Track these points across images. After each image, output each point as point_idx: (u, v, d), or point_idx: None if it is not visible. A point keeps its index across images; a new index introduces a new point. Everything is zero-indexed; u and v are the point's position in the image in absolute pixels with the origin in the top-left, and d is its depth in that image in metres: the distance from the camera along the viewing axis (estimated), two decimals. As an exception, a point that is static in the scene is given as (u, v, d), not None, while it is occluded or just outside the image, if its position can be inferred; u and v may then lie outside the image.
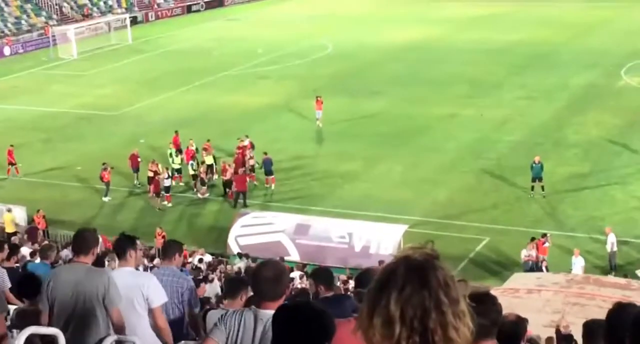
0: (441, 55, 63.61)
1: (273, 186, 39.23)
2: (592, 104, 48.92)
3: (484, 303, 4.88)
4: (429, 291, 3.07)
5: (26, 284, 10.47)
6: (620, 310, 4.81)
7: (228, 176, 38.47)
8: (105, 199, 39.09)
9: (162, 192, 38.50)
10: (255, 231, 33.07)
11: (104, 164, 39.22)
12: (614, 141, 42.66)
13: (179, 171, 40.44)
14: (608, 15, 77.59)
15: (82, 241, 8.60)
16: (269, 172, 39.38)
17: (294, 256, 31.78)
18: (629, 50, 61.12)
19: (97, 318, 8.29)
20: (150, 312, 9.19)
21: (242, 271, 27.54)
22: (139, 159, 40.38)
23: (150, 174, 39.14)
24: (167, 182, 38.70)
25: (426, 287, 3.07)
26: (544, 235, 31.30)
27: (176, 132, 43.35)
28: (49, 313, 8.42)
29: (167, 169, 39.38)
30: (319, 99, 46.65)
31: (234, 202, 37.89)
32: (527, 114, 48.05)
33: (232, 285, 10.51)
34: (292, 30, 77.02)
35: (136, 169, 40.39)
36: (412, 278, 3.09)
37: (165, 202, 38.49)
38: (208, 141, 41.95)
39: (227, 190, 38.69)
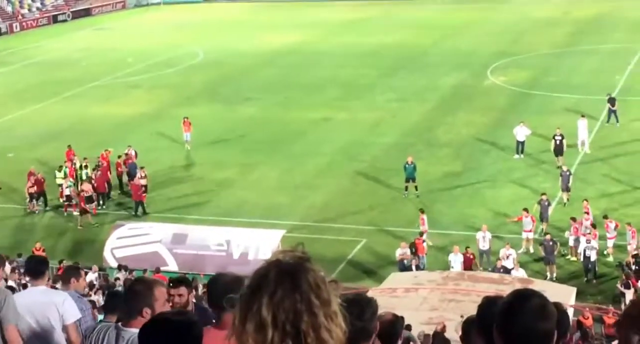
0: (313, 59, 64.05)
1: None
2: (461, 104, 50.05)
3: (361, 305, 4.91)
4: (300, 294, 3.07)
5: None
6: (489, 304, 4.91)
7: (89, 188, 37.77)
8: None
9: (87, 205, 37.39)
10: (132, 242, 32.58)
11: None
12: (482, 139, 43.74)
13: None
14: (473, 17, 79.58)
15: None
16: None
17: (172, 265, 31.44)
18: (494, 50, 62.77)
19: None
20: (65, 328, 9.20)
21: (122, 283, 27.14)
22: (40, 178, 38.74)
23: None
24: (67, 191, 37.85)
25: (297, 290, 3.07)
26: (421, 234, 31.84)
27: (69, 146, 41.96)
28: None
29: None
30: (186, 120, 44.81)
31: (135, 212, 37.33)
32: (398, 115, 48.82)
33: (111, 300, 10.31)
34: (162, 39, 76.30)
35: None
36: (283, 282, 3.08)
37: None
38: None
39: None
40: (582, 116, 41.63)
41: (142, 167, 38.62)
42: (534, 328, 3.77)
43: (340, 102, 51.79)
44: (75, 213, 37.65)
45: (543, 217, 33.02)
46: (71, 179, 38.73)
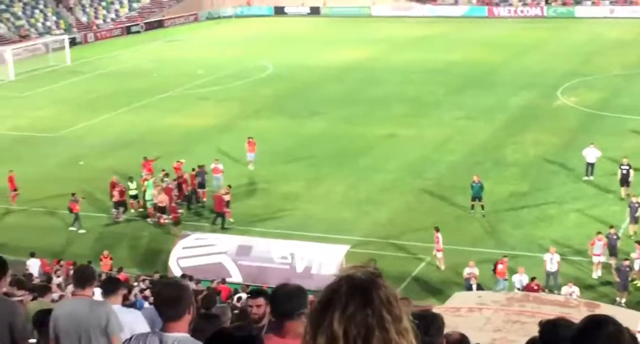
0: (380, 75, 64.05)
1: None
2: (529, 124, 49.58)
3: (427, 321, 4.91)
4: (372, 309, 3.08)
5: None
6: (552, 327, 4.85)
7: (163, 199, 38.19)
8: (73, 228, 37.68)
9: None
10: (197, 252, 32.86)
11: (73, 194, 38.03)
12: (551, 160, 43.26)
13: (135, 196, 39.76)
14: (543, 36, 78.94)
15: (82, 276, 9.21)
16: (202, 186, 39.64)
17: (236, 277, 31.63)
18: (564, 70, 62.15)
19: None
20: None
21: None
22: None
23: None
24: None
25: (369, 305, 3.09)
26: (504, 256, 31.40)
27: (144, 158, 42.25)
28: None
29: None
30: (250, 140, 44.30)
31: (213, 222, 37.64)
32: (466, 133, 48.54)
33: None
34: (231, 52, 77.01)
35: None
36: (355, 297, 3.10)
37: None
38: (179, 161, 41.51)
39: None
40: None
41: (229, 186, 38.80)
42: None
43: (407, 119, 51.68)
44: (166, 221, 38.02)
45: (612, 253, 31.86)
46: (152, 190, 38.91)
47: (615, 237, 31.92)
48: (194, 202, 39.94)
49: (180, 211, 38.70)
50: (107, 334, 8.72)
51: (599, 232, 31.97)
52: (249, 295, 8.37)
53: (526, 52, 71.12)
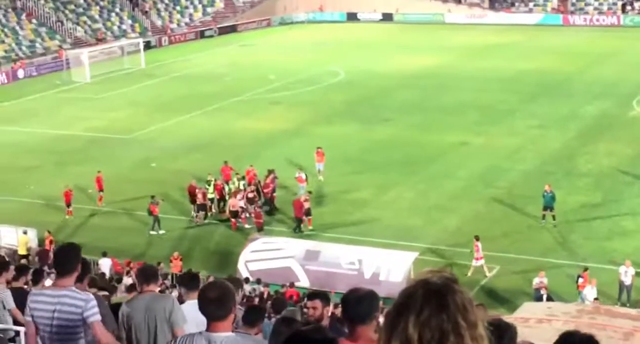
0: (452, 82, 63.74)
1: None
2: (603, 134, 48.88)
3: (501, 330, 4.88)
4: (447, 315, 3.08)
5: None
6: (567, 337, 4.79)
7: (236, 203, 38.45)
8: (154, 232, 37.99)
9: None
10: (265, 256, 33.03)
11: (152, 197, 38.48)
12: (625, 171, 42.57)
13: (211, 200, 40.03)
14: (619, 45, 77.78)
15: (147, 273, 10.00)
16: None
17: (303, 281, 31.71)
18: (641, 80, 61.19)
19: (167, 337, 9.19)
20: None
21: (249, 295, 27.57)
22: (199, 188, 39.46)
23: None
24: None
25: (444, 310, 3.09)
26: (586, 269, 31.00)
27: (225, 162, 42.38)
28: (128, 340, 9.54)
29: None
30: (319, 150, 43.70)
31: (297, 228, 37.68)
32: (538, 142, 48.03)
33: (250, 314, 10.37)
34: (303, 57, 77.36)
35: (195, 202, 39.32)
36: (430, 301, 3.11)
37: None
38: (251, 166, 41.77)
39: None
40: None
41: (309, 192, 38.92)
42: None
43: (479, 127, 51.33)
44: (248, 226, 38.27)
45: None
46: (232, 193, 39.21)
47: None
48: (273, 208, 39.87)
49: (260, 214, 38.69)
50: (171, 324, 9.18)
51: None
52: (306, 297, 8.49)
53: (601, 61, 70.14)
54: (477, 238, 32.78)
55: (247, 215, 38.55)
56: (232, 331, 6.29)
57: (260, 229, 37.46)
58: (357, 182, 42.60)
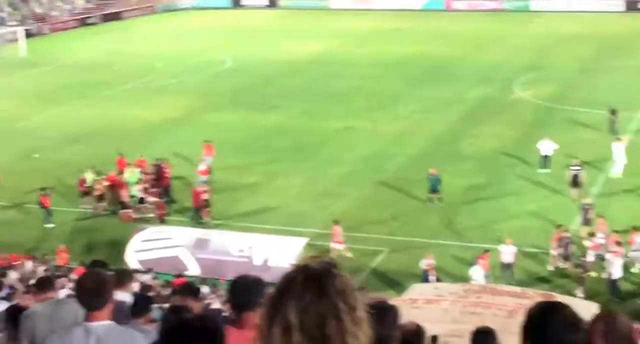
0: (339, 69, 64.10)
1: None
2: (486, 117, 49.92)
3: (382, 312, 4.94)
4: (327, 299, 3.11)
5: None
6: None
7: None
8: (49, 225, 36.97)
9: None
10: (155, 245, 32.71)
11: (42, 189, 37.33)
12: (508, 153, 43.59)
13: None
14: (501, 30, 79.46)
15: (43, 281, 9.87)
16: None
17: (193, 270, 31.53)
18: (521, 64, 62.63)
19: None
20: None
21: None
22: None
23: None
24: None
25: (324, 295, 3.11)
26: (486, 251, 31.47)
27: (120, 154, 41.39)
28: None
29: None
30: (207, 144, 42.82)
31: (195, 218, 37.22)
32: (423, 126, 48.75)
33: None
34: (190, 44, 76.64)
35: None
36: (310, 287, 3.12)
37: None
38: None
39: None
40: (619, 139, 40.57)
41: (205, 182, 38.56)
42: (564, 340, 3.78)
43: (365, 112, 51.79)
44: (142, 216, 37.72)
45: (567, 257, 31.63)
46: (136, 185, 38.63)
47: (569, 241, 31.54)
48: (169, 198, 39.27)
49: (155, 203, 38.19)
50: None
51: (559, 226, 32.26)
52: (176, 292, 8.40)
53: (483, 45, 71.53)
54: (336, 222, 33.03)
55: (147, 206, 38.04)
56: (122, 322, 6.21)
57: (162, 220, 37.06)
58: (246, 169, 42.52)
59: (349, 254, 32.36)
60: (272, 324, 3.11)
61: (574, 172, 37.22)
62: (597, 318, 4.85)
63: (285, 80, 61.16)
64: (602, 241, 31.57)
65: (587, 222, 33.75)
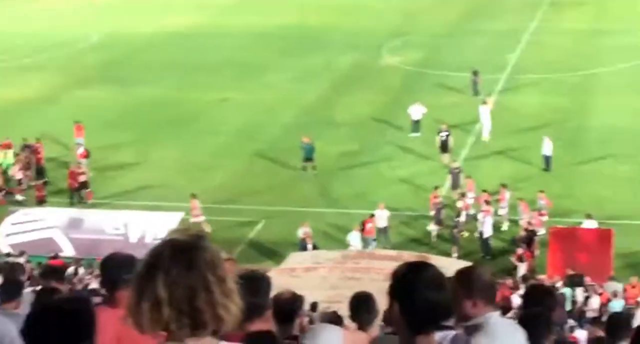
0: (208, 40, 63.43)
1: None
2: (357, 84, 50.35)
3: (254, 282, 4.94)
4: (196, 272, 3.09)
5: None
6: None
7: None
8: None
9: None
10: (26, 228, 32.01)
11: None
12: (379, 118, 44.16)
13: None
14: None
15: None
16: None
17: (68, 251, 30.98)
18: (388, 30, 63.18)
19: None
20: None
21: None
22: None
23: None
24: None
25: (193, 267, 3.10)
26: (372, 215, 31.74)
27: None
28: None
29: None
30: (78, 124, 41.36)
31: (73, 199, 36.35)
32: (296, 96, 48.87)
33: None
34: (53, 20, 74.55)
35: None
36: (178, 260, 3.10)
37: None
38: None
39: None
40: (484, 102, 41.40)
41: (79, 164, 37.73)
42: (431, 299, 3.85)
43: (237, 83, 51.55)
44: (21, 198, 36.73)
45: (438, 221, 32.20)
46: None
47: (440, 207, 32.13)
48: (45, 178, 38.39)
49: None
50: None
51: (436, 187, 32.96)
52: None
53: (351, 12, 71.75)
54: (193, 196, 32.96)
55: (21, 188, 37.09)
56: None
57: (42, 201, 36.15)
58: (118, 145, 41.84)
59: (208, 228, 32.26)
60: (141, 300, 3.08)
61: (443, 137, 37.82)
62: (458, 272, 5.07)
63: (154, 54, 60.20)
64: (472, 201, 32.47)
65: (456, 185, 34.50)
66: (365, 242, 30.98)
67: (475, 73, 46.76)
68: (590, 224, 30.61)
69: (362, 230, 31.13)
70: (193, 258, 3.10)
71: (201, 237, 3.18)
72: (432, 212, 32.22)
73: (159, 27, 68.63)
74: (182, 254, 3.10)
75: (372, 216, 31.64)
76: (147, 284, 3.08)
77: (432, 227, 32.05)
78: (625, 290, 26.23)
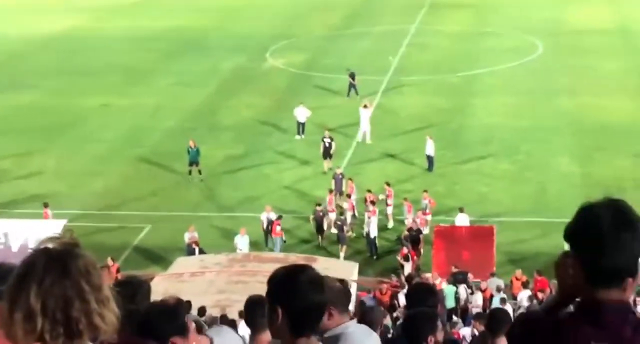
0: (90, 44, 62.37)
1: None
2: (242, 87, 50.31)
3: (133, 288, 4.88)
4: (70, 280, 3.04)
5: None
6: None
7: None
8: None
9: None
10: None
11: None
12: (264, 121, 44.21)
13: None
14: None
15: None
16: None
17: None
18: (272, 33, 63.26)
19: None
20: None
21: None
22: None
23: None
24: None
25: (67, 276, 3.04)
26: (279, 217, 31.63)
27: None
28: None
29: None
30: None
31: None
32: (180, 100, 48.49)
33: None
34: None
35: None
36: (52, 269, 3.05)
37: None
38: None
39: None
40: (365, 106, 41.47)
41: None
42: (314, 300, 3.88)
43: (120, 88, 50.85)
44: None
45: (319, 230, 32.10)
46: None
47: (321, 214, 31.94)
48: None
49: None
50: None
51: (331, 191, 33.28)
52: None
53: (234, 16, 71.56)
54: (45, 205, 32.56)
55: None
56: None
57: None
58: (-4, 153, 40.81)
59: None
60: (14, 311, 3.01)
61: (326, 143, 37.55)
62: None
63: (33, 58, 58.88)
64: (353, 203, 32.85)
65: (340, 190, 34.48)
66: (274, 243, 31.02)
67: (351, 75, 47.26)
68: (462, 217, 31.35)
69: (271, 231, 31.18)
70: (67, 266, 3.04)
71: (75, 245, 3.13)
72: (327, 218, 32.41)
73: (37, 31, 67.17)
74: (55, 262, 3.05)
75: (280, 217, 31.65)
76: (20, 294, 3.01)
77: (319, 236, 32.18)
78: (511, 281, 27.03)
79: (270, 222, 31.41)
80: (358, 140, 41.02)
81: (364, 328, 5.73)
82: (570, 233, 3.29)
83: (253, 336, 8.08)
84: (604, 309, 3.21)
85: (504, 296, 25.25)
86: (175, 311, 5.87)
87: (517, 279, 27.24)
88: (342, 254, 31.05)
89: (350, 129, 41.75)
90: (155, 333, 5.12)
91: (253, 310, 7.95)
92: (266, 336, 7.93)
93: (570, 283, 3.32)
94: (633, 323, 3.22)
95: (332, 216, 32.41)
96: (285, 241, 31.36)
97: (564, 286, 3.38)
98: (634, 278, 3.24)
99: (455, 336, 17.70)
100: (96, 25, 69.68)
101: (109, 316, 3.08)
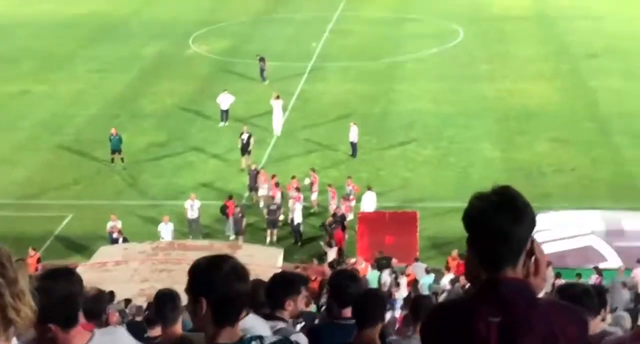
0: (10, 30, 61.07)
1: None
2: (164, 74, 49.81)
3: (55, 279, 4.76)
4: (-16, 273, 2.98)
5: None
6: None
7: None
8: None
9: None
10: None
11: None
12: (187, 108, 43.86)
13: None
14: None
15: None
16: None
17: None
18: (194, 19, 62.69)
19: None
20: None
21: None
22: None
23: None
24: None
25: (-19, 270, 2.98)
26: (230, 197, 31.41)
27: None
28: None
29: None
30: None
31: None
32: (101, 86, 47.85)
33: None
34: None
35: None
36: (-36, 263, 2.98)
37: None
38: None
39: None
40: (277, 97, 40.39)
41: None
42: (237, 289, 3.87)
43: (39, 75, 49.92)
44: None
45: (239, 231, 31.40)
46: None
47: (240, 215, 31.48)
48: None
49: None
50: None
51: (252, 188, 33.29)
52: None
53: (155, 1, 70.82)
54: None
55: None
56: None
57: None
58: None
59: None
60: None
61: (244, 140, 36.63)
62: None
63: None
64: (269, 193, 32.72)
65: (253, 186, 33.94)
66: (228, 225, 31.04)
67: (261, 59, 47.20)
68: (369, 195, 31.67)
69: (227, 215, 31.05)
70: (-20, 259, 2.98)
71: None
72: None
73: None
74: (-31, 256, 2.98)
75: (231, 197, 31.44)
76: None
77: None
78: (447, 262, 27.29)
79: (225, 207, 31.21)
80: (285, 128, 40.75)
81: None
82: (463, 221, 3.49)
83: (163, 330, 8.00)
84: (498, 287, 3.40)
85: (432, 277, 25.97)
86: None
87: (452, 259, 27.49)
88: (268, 238, 31.09)
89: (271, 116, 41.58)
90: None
91: (163, 304, 7.87)
92: (176, 329, 7.85)
93: (471, 266, 3.54)
94: (528, 299, 3.40)
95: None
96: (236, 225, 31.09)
97: (470, 270, 3.59)
98: (516, 264, 3.44)
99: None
100: (10, 10, 68.13)
101: (25, 310, 3.03)
